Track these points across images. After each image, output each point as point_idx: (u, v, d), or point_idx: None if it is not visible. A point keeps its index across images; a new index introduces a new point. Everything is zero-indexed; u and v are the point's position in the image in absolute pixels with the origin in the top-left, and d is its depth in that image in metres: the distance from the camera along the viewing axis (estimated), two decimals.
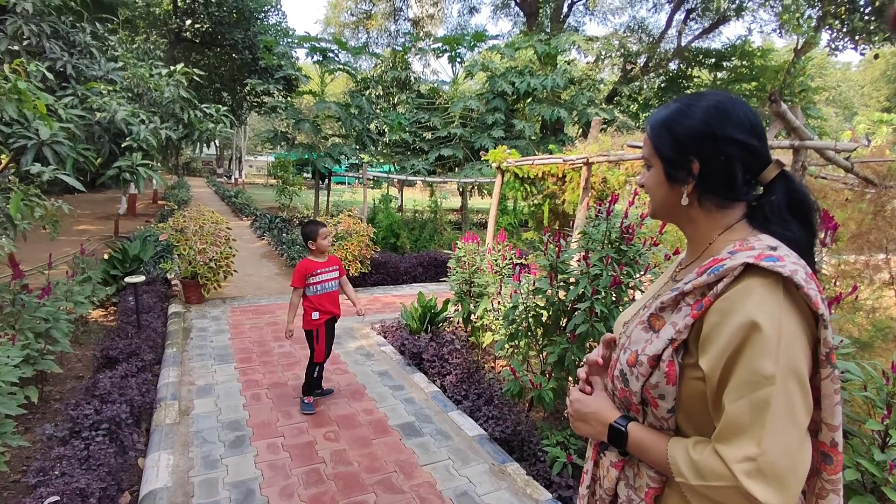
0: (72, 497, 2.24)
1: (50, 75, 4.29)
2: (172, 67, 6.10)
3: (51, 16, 5.10)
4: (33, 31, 4.82)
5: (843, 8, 13.06)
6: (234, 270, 6.73)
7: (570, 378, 3.32)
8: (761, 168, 0.94)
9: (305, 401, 3.68)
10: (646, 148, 1.05)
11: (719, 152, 0.93)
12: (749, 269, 0.83)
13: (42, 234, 4.31)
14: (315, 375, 3.71)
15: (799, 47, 16.30)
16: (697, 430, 0.90)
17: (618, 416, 1.00)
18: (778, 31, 15.39)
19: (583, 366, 1.15)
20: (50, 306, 3.56)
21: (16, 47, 4.70)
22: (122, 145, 4.87)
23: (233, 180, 32.92)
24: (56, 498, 2.20)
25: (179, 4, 18.88)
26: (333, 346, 5.05)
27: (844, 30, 13.68)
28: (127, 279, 4.71)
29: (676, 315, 0.92)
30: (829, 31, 14.25)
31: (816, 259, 0.95)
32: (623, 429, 0.97)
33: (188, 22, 19.27)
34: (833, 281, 3.71)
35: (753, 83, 17.90)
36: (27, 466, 2.76)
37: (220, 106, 6.80)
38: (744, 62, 17.95)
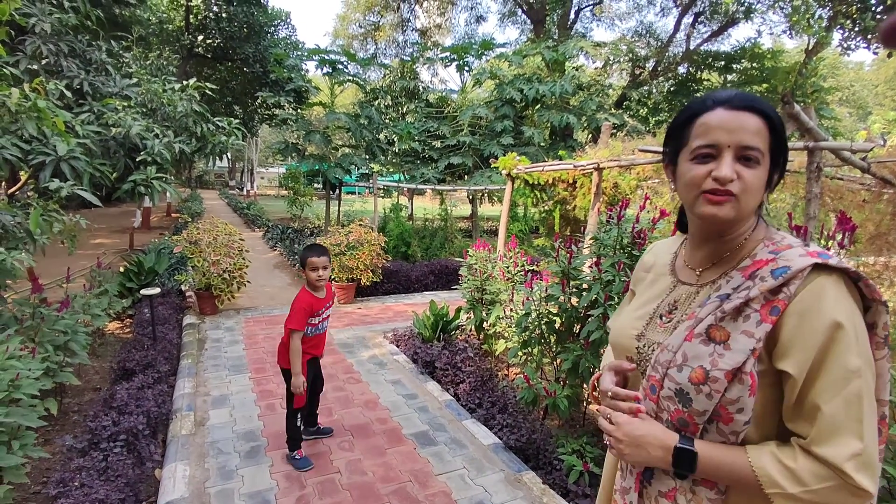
0: None
1: (68, 93, 4.40)
2: (185, 82, 6.24)
3: (68, 35, 5.23)
4: (51, 51, 4.95)
5: (855, 7, 12.92)
6: (248, 281, 6.79)
7: (585, 385, 3.29)
8: None
9: (296, 456, 3.07)
10: (759, 138, 0.88)
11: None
12: (815, 269, 0.84)
13: (60, 248, 4.39)
14: (298, 425, 3.11)
15: (810, 48, 16.15)
16: (764, 436, 0.88)
17: (677, 437, 0.91)
18: (788, 32, 15.25)
19: (624, 400, 1.00)
20: (68, 319, 3.61)
21: (35, 66, 4.82)
22: (137, 159, 4.98)
23: (245, 192, 33.34)
24: None
25: (191, 21, 19.32)
26: (346, 356, 5.08)
27: (856, 29, 13.52)
28: (142, 291, 4.76)
29: (746, 323, 0.87)
30: (841, 31, 14.10)
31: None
32: (693, 449, 0.88)
33: (200, 37, 19.72)
34: None
35: (764, 85, 17.75)
36: (47, 478, 2.80)
37: (232, 119, 6.93)
38: (754, 64, 17.84)
